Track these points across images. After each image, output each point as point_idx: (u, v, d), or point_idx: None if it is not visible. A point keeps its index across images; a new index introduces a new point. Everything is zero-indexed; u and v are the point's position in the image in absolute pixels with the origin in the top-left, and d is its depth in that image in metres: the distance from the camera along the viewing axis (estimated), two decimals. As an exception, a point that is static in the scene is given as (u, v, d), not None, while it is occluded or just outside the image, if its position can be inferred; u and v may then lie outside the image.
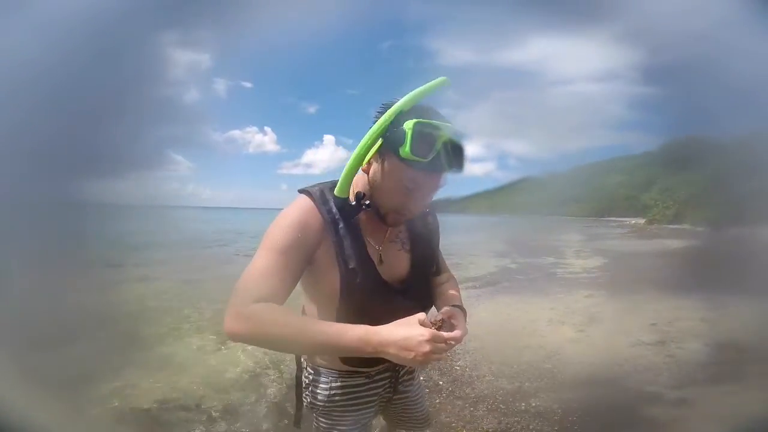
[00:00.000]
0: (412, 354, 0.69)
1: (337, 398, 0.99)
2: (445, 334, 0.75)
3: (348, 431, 1.00)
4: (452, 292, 1.01)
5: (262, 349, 3.28)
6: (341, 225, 0.84)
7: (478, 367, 3.00)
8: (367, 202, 0.84)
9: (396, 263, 0.93)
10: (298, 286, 0.85)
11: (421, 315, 0.74)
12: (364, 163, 0.83)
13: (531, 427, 2.25)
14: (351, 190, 0.85)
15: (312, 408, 1.02)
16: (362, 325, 0.72)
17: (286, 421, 2.32)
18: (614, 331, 3.83)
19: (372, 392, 1.03)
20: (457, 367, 3.00)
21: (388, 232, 0.93)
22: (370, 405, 1.04)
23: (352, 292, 0.84)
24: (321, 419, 1.01)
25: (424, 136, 0.75)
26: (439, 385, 2.72)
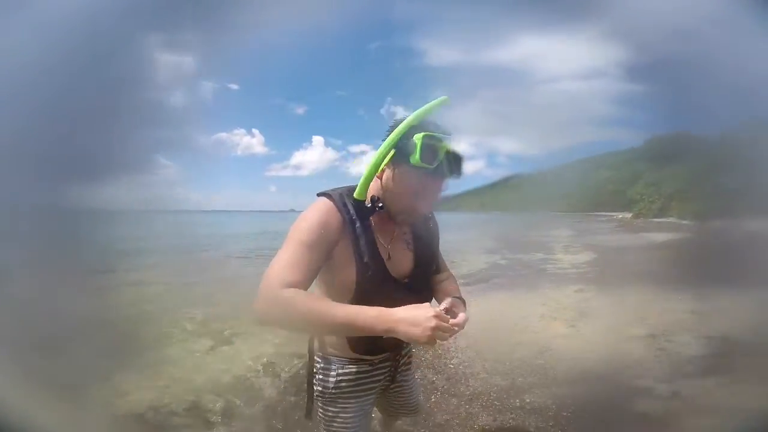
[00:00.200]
0: (420, 329, 0.79)
1: (343, 384, 1.10)
2: (451, 320, 0.85)
3: (352, 417, 1.12)
4: (452, 287, 1.13)
5: (256, 353, 3.28)
6: (357, 224, 0.96)
7: (472, 365, 3.01)
8: (380, 204, 0.98)
9: (402, 260, 1.06)
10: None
11: (428, 304, 0.85)
12: (379, 171, 0.96)
13: (526, 423, 2.26)
14: (367, 195, 0.98)
15: (321, 396, 1.13)
16: (377, 307, 0.82)
17: (280, 426, 2.31)
18: (605, 326, 3.88)
19: (374, 379, 1.15)
20: (451, 365, 3.01)
21: (395, 232, 1.06)
22: (372, 392, 1.16)
23: (364, 283, 0.96)
24: (328, 408, 1.12)
25: (430, 147, 0.89)
26: (434, 383, 2.72)
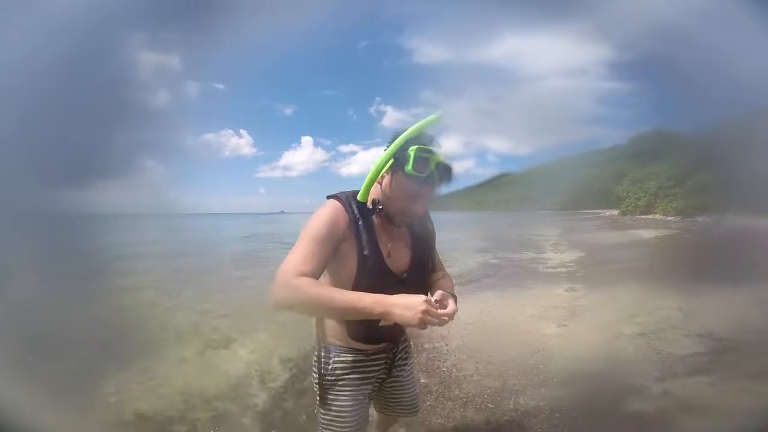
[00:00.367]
0: (412, 313, 0.91)
1: (339, 372, 1.23)
2: (440, 310, 0.98)
3: (349, 405, 1.23)
4: (446, 284, 1.23)
5: (247, 358, 3.25)
6: (361, 223, 1.12)
7: (465, 367, 3.01)
8: (380, 206, 1.13)
9: (400, 257, 1.19)
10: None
11: (424, 295, 0.95)
12: (379, 177, 1.11)
13: (521, 425, 2.26)
14: (369, 198, 1.13)
15: (319, 382, 1.25)
16: (375, 294, 0.96)
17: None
18: (596, 325, 3.91)
19: (369, 369, 1.27)
20: (444, 368, 3.00)
21: (396, 232, 1.19)
22: (367, 381, 1.27)
23: (363, 275, 1.10)
24: (326, 394, 1.24)
25: (422, 158, 1.03)
26: (428, 386, 2.71)
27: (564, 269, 7.71)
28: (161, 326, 4.24)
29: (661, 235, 14.86)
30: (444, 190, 1.12)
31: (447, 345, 3.45)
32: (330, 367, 1.23)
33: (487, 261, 9.28)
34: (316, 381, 1.26)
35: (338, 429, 1.23)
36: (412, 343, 1.49)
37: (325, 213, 1.09)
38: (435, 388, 2.69)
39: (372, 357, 1.27)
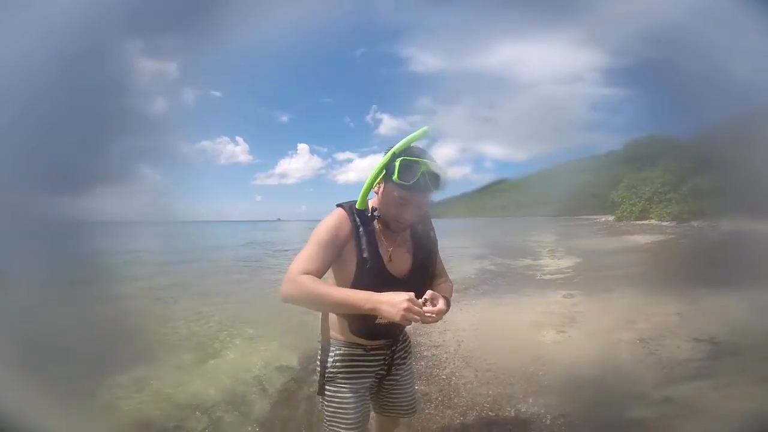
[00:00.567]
0: (395, 309, 1.01)
1: (338, 364, 1.33)
2: (424, 307, 1.07)
3: (350, 397, 1.32)
4: (444, 288, 1.31)
5: (245, 366, 3.22)
6: (361, 230, 1.22)
7: (465, 375, 2.99)
8: (377, 214, 1.24)
9: (401, 262, 1.28)
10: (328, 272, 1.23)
11: (411, 293, 1.05)
12: (375, 186, 1.21)
13: (522, 433, 2.25)
14: (369, 206, 1.25)
15: (321, 375, 1.35)
16: (367, 291, 1.07)
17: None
18: (595, 331, 3.89)
19: (369, 364, 1.36)
20: (443, 376, 2.98)
21: (398, 238, 1.28)
22: (366, 375, 1.36)
23: (361, 275, 1.20)
24: (328, 387, 1.34)
25: (407, 169, 1.13)
26: (428, 394, 2.69)
27: (561, 275, 7.70)
28: (158, 333, 4.20)
29: (657, 241, 14.91)
30: (435, 197, 1.22)
31: (446, 353, 3.44)
32: (331, 360, 1.34)
33: (484, 268, 9.27)
34: (319, 373, 1.37)
35: (341, 421, 1.32)
36: (411, 344, 1.57)
37: (330, 219, 1.22)
38: (435, 396, 2.67)
39: (371, 352, 1.36)
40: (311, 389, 2.66)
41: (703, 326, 3.59)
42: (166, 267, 10.29)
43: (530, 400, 2.56)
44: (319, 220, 1.27)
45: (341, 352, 1.34)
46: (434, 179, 1.16)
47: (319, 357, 1.39)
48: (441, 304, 1.12)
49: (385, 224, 1.25)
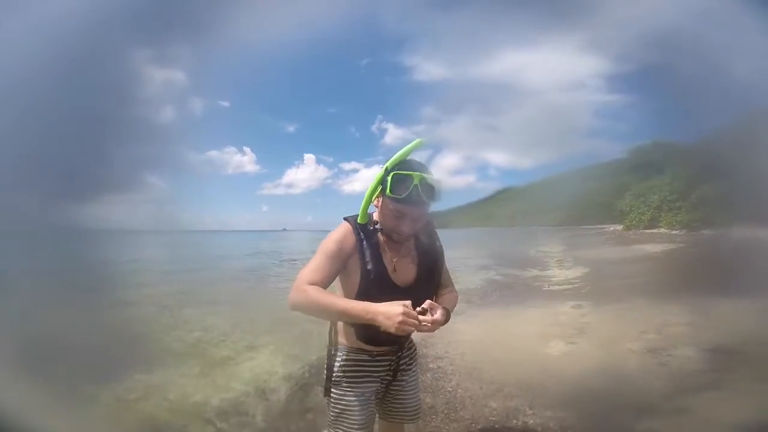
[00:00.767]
0: (391, 321, 1.04)
1: (345, 369, 1.37)
2: (421, 317, 1.10)
3: (355, 401, 1.35)
4: (447, 299, 1.38)
5: (248, 375, 3.23)
6: (364, 242, 1.27)
7: (471, 387, 2.94)
8: (379, 226, 1.28)
9: (406, 272, 1.32)
10: (337, 282, 1.29)
11: (408, 301, 1.08)
12: (374, 200, 1.26)
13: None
14: (371, 219, 1.30)
15: (330, 377, 1.39)
16: (366, 302, 1.12)
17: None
18: (605, 342, 3.82)
19: (374, 369, 1.39)
20: (449, 389, 2.93)
21: (403, 249, 1.32)
22: (371, 380, 1.39)
23: (366, 286, 1.25)
24: (334, 391, 1.38)
25: (399, 182, 1.18)
26: (434, 407, 2.65)
27: (570, 286, 7.61)
28: (164, 341, 4.20)
29: (666, 250, 14.71)
30: (432, 208, 1.26)
31: (452, 364, 3.39)
32: (339, 364, 1.39)
33: (490, 278, 9.18)
34: (326, 376, 1.41)
35: (345, 423, 1.36)
36: (417, 351, 1.59)
37: (336, 233, 1.28)
38: (440, 409, 2.63)
39: (377, 358, 1.39)
40: (316, 398, 2.64)
41: (714, 336, 3.51)
42: (172, 276, 10.32)
43: (538, 413, 2.51)
44: (325, 231, 1.34)
45: (347, 357, 1.38)
46: (428, 191, 1.19)
47: (326, 361, 1.44)
48: (438, 314, 1.16)
49: (388, 236, 1.29)
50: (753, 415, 2.12)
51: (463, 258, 13.16)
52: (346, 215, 1.34)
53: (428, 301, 1.17)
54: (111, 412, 2.61)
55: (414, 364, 1.54)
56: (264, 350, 3.82)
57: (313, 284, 1.16)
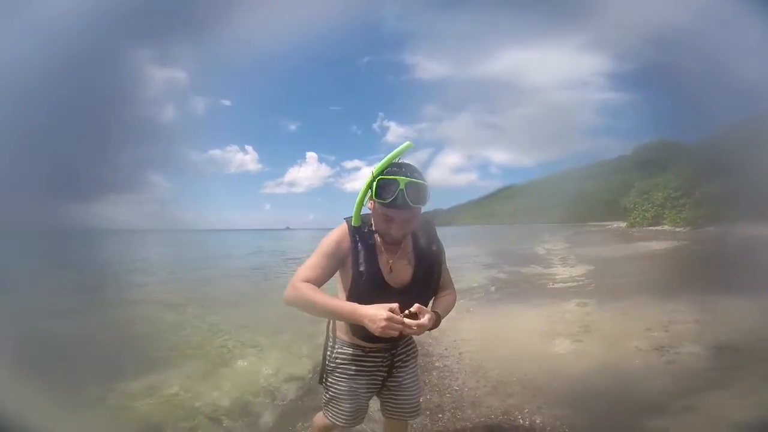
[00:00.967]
0: (375, 324, 1.09)
1: (339, 360, 1.45)
2: (406, 320, 1.12)
3: (345, 390, 1.44)
4: (443, 301, 1.39)
5: (253, 375, 3.24)
6: (359, 244, 1.31)
7: (477, 386, 2.94)
8: (373, 228, 1.32)
9: (402, 273, 1.35)
10: (336, 279, 1.36)
11: (394, 304, 1.13)
12: (366, 203, 1.29)
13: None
14: (367, 221, 1.33)
15: (324, 365, 1.49)
16: (354, 303, 1.18)
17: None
18: (611, 340, 3.80)
19: (366, 364, 1.44)
20: (456, 387, 2.93)
21: (400, 250, 1.34)
22: (363, 374, 1.44)
23: (358, 286, 1.29)
24: (329, 378, 1.48)
25: (384, 186, 1.21)
26: (441, 405, 2.65)
27: (574, 284, 7.58)
28: (168, 341, 4.20)
29: (671, 247, 14.65)
30: (422, 210, 1.28)
31: (457, 363, 3.39)
32: (334, 355, 1.46)
33: (494, 276, 9.15)
34: (322, 364, 1.51)
35: (334, 408, 1.47)
36: (417, 349, 1.61)
37: (334, 233, 1.33)
38: (447, 407, 2.63)
39: (370, 354, 1.44)
40: (320, 399, 2.64)
41: (720, 333, 3.49)
42: (177, 275, 10.36)
43: (545, 411, 2.50)
44: (328, 229, 1.38)
45: (342, 350, 1.45)
46: (414, 195, 1.21)
47: (323, 351, 1.52)
48: (425, 319, 1.17)
49: (381, 238, 1.32)
50: (760, 413, 2.11)
51: (466, 256, 13.14)
52: (347, 215, 1.36)
53: (417, 305, 1.18)
54: (116, 412, 2.62)
55: (411, 361, 1.55)
56: (270, 350, 3.83)
57: (308, 281, 1.22)
